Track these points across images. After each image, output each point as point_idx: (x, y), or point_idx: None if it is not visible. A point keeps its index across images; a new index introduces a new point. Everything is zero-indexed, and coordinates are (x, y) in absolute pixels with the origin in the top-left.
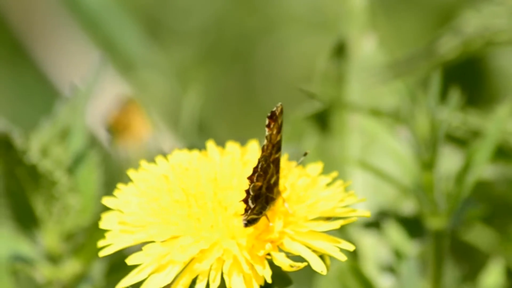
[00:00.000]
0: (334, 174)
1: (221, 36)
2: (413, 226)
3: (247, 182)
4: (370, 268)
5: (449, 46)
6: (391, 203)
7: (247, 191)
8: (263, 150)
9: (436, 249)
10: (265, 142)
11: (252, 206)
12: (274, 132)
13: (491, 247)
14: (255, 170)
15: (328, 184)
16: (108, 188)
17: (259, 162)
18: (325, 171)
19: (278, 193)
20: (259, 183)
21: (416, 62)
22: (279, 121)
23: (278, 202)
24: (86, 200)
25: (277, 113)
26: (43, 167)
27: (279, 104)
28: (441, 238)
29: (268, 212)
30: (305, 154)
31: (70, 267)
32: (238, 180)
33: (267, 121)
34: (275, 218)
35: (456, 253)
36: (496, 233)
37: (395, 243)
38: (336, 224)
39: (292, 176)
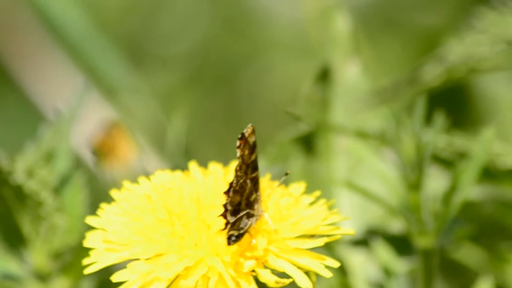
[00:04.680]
0: (317, 193)
1: (206, 61)
2: (401, 244)
3: (224, 197)
4: (359, 286)
5: (433, 73)
6: (379, 223)
7: (225, 206)
8: (236, 170)
9: (425, 267)
10: (238, 162)
11: (231, 220)
12: (246, 152)
13: (480, 265)
14: (230, 185)
15: (311, 203)
16: (94, 210)
17: (234, 178)
18: (312, 192)
19: (261, 211)
20: (236, 199)
21: (400, 89)
22: (251, 142)
23: (261, 221)
24: (73, 220)
25: (247, 134)
26: (28, 187)
27: (249, 125)
28: (430, 256)
29: (252, 230)
30: (287, 174)
31: (59, 285)
32: (221, 200)
33: (237, 142)
34: (258, 236)
35: (445, 271)
36: (485, 251)
37: (384, 261)
38: (320, 242)
39: (275, 195)
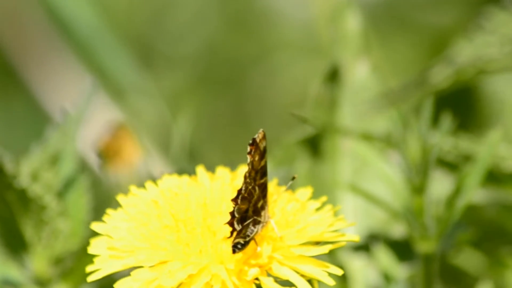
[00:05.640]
0: (324, 198)
1: (214, 62)
2: (402, 249)
3: (232, 204)
4: None
5: (442, 75)
6: (381, 227)
7: (232, 213)
8: (245, 177)
9: (425, 272)
10: (247, 168)
11: (237, 228)
12: (256, 158)
13: (480, 271)
14: (239, 192)
15: (318, 209)
16: (98, 213)
17: (243, 185)
18: (317, 195)
19: (267, 217)
20: (244, 206)
21: (409, 91)
22: (261, 147)
23: (267, 227)
24: (76, 225)
25: (258, 140)
26: (33, 191)
27: (260, 130)
28: (430, 261)
29: (257, 237)
30: (293, 178)
31: None
32: (227, 205)
33: (248, 148)
34: (264, 243)
35: (445, 276)
36: (486, 257)
37: (384, 266)
38: (325, 249)
39: (282, 201)
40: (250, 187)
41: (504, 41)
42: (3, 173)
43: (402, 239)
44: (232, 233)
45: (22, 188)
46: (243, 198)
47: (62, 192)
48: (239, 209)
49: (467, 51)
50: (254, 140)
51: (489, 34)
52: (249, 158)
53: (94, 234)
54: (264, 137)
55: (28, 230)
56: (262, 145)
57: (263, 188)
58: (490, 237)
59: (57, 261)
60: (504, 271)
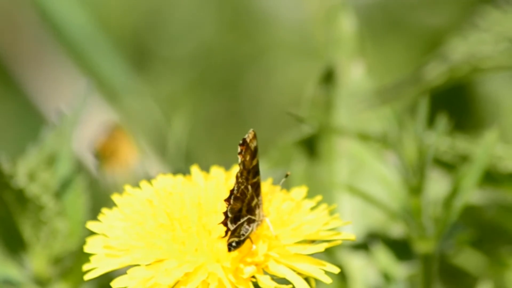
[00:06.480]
0: (319, 198)
1: (209, 63)
2: (401, 249)
3: (225, 204)
4: None
5: (436, 72)
6: (379, 227)
7: (225, 213)
8: (237, 177)
9: (424, 272)
10: (238, 168)
11: (231, 227)
12: (248, 158)
13: (479, 270)
14: (231, 192)
15: (313, 208)
16: (95, 213)
17: (235, 185)
18: (313, 195)
19: (262, 216)
20: (237, 206)
21: (403, 89)
22: (252, 147)
23: (263, 226)
24: (74, 225)
25: (249, 140)
26: (30, 191)
27: (251, 130)
28: (429, 261)
29: (253, 236)
30: (287, 175)
31: None
32: (222, 204)
33: (239, 149)
34: (259, 241)
35: (445, 276)
36: (485, 256)
37: (383, 266)
38: (321, 247)
39: (276, 200)
40: (242, 186)
41: (499, 39)
42: (0, 173)
43: (401, 239)
44: (226, 232)
45: (19, 188)
46: (235, 198)
47: (59, 192)
48: (232, 209)
49: (462, 49)
50: (244, 140)
51: (484, 32)
52: (240, 158)
53: (92, 234)
54: (254, 137)
55: (27, 230)
56: (252, 145)
57: (256, 187)
58: (489, 237)
59: (56, 260)
60: (504, 271)
